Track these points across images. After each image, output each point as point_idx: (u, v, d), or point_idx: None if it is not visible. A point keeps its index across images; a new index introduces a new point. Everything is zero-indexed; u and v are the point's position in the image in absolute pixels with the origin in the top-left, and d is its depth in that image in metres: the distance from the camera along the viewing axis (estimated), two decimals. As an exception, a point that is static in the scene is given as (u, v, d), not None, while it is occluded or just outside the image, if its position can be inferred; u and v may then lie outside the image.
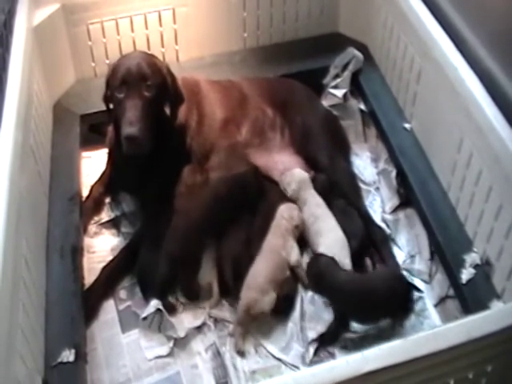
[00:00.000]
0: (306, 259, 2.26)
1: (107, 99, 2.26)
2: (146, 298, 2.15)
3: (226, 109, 2.52)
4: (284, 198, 2.35)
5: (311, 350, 2.05)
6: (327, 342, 2.07)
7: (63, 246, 2.18)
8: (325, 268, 2.10)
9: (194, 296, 2.19)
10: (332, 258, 2.11)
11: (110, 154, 2.48)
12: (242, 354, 2.06)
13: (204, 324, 2.13)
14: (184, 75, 2.46)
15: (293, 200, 2.34)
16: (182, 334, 2.09)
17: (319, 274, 2.11)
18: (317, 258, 2.16)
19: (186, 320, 2.14)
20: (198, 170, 2.39)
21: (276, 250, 2.18)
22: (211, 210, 2.25)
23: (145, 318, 2.10)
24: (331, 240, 2.21)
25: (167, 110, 2.28)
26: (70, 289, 2.08)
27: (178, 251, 2.15)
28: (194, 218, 2.22)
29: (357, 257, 2.20)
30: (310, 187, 2.35)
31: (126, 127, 2.10)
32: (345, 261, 2.14)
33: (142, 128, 2.11)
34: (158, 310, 2.08)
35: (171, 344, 2.08)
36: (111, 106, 2.26)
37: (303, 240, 2.29)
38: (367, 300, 2.04)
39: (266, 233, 2.22)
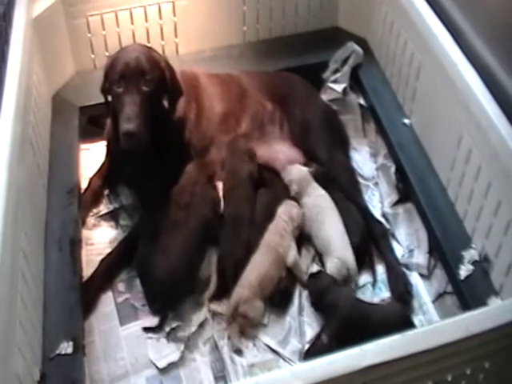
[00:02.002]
0: (304, 260, 2.26)
1: (105, 91, 2.26)
2: (146, 291, 2.17)
3: (225, 102, 2.51)
4: (286, 192, 2.36)
5: (307, 346, 2.05)
6: (311, 355, 2.01)
7: (61, 238, 2.18)
8: (327, 286, 2.10)
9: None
10: (334, 278, 2.11)
11: (108, 146, 2.47)
12: (239, 352, 2.06)
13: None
14: (183, 68, 2.46)
15: (295, 198, 2.35)
16: (193, 329, 2.09)
17: (321, 292, 2.10)
18: (320, 274, 2.15)
19: (188, 318, 2.13)
20: (204, 168, 2.38)
21: (272, 246, 2.18)
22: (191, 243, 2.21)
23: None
24: (335, 235, 2.22)
25: (166, 104, 2.27)
26: (68, 281, 2.08)
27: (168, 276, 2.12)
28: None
29: (357, 253, 2.20)
30: (311, 182, 2.35)
31: (125, 123, 2.10)
32: (347, 258, 2.15)
33: (141, 124, 2.10)
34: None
35: (182, 347, 2.06)
36: (109, 97, 2.26)
37: (301, 238, 2.29)
38: (362, 331, 1.95)
39: (265, 230, 2.23)
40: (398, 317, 2.04)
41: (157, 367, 2.03)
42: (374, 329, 1.93)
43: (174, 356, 2.04)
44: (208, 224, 2.24)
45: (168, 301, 2.13)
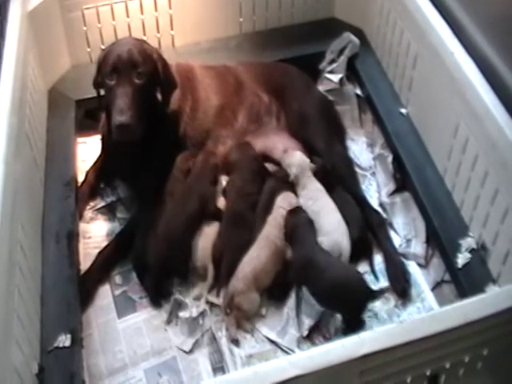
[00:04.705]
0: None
1: (98, 85, 2.25)
2: (143, 284, 2.18)
3: (221, 95, 2.51)
4: (282, 183, 2.34)
5: (306, 333, 2.06)
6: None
7: (59, 231, 2.18)
8: (301, 222, 2.16)
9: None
10: (310, 219, 2.18)
11: (102, 140, 2.47)
12: (236, 342, 2.06)
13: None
14: (179, 61, 2.46)
15: (292, 184, 2.34)
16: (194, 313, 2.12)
17: (294, 225, 2.16)
18: (298, 209, 2.22)
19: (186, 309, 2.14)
20: (191, 157, 2.38)
21: (271, 239, 2.17)
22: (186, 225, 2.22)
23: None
24: (331, 222, 2.20)
25: (159, 96, 2.27)
26: (65, 274, 2.08)
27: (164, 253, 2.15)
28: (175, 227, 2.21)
29: (357, 246, 2.20)
30: (309, 173, 2.34)
31: (117, 115, 2.10)
32: (343, 242, 2.14)
33: (133, 115, 2.10)
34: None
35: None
36: (102, 91, 2.25)
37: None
38: (313, 277, 2.05)
39: (264, 222, 2.22)
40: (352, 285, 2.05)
41: (184, 351, 2.05)
42: (324, 281, 2.02)
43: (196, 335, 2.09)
44: (203, 199, 2.25)
45: (164, 281, 2.15)
